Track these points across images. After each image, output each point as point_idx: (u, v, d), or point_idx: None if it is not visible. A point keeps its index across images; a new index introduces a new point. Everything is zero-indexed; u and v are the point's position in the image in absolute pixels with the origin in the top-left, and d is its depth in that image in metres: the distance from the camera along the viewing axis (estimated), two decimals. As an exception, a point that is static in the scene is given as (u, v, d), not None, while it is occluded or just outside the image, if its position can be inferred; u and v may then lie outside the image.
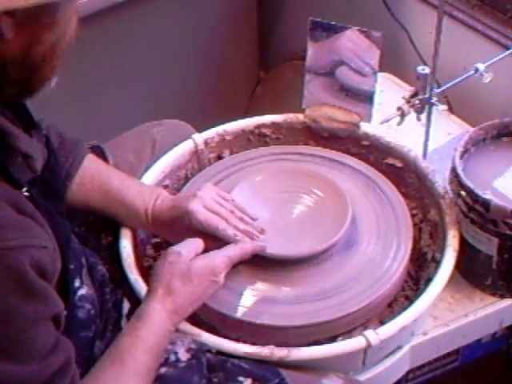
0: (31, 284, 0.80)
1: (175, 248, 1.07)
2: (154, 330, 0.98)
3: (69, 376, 0.84)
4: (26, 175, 0.88)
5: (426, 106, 1.30)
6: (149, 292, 1.04)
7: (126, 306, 1.16)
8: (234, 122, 1.40)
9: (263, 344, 1.07)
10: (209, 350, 1.06)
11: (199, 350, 1.04)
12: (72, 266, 0.99)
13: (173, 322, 1.02)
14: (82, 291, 1.03)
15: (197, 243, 1.09)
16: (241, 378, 1.03)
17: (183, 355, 1.03)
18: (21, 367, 0.79)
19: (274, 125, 1.40)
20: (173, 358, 1.03)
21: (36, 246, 0.81)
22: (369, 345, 1.06)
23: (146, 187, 1.22)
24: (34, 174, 0.90)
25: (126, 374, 0.93)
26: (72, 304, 0.97)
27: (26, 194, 0.87)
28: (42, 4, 0.76)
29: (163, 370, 1.01)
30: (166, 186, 1.32)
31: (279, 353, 1.05)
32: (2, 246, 0.77)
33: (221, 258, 1.07)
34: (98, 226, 1.23)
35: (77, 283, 1.01)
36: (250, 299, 1.13)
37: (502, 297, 1.25)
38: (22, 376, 0.79)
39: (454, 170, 1.21)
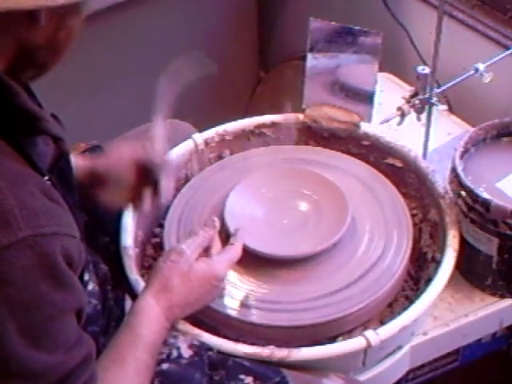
0: (61, 272, 0.79)
1: (179, 247, 1.07)
2: (151, 327, 0.98)
3: (89, 370, 0.84)
4: (45, 163, 0.87)
5: (426, 106, 1.31)
6: (145, 286, 1.04)
7: (128, 304, 1.16)
8: (233, 122, 1.40)
9: (263, 344, 1.08)
10: (210, 349, 1.06)
11: (201, 347, 1.04)
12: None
13: (168, 319, 1.01)
14: (89, 287, 1.04)
15: (201, 239, 1.08)
16: (242, 376, 1.03)
17: (186, 352, 1.03)
18: (46, 356, 0.79)
19: (273, 125, 1.40)
20: (175, 353, 1.03)
21: (66, 235, 0.80)
22: (369, 345, 1.06)
23: None
24: (52, 163, 0.89)
25: (129, 373, 0.93)
26: None
27: (48, 182, 0.86)
28: (71, 4, 0.76)
29: (165, 366, 1.01)
30: (166, 186, 1.32)
31: (279, 353, 1.05)
32: (35, 233, 0.76)
33: (223, 262, 1.07)
34: (93, 226, 1.23)
35: (86, 278, 1.02)
36: (249, 299, 1.13)
37: (502, 297, 1.25)
38: (47, 365, 0.79)
39: (454, 169, 1.21)
